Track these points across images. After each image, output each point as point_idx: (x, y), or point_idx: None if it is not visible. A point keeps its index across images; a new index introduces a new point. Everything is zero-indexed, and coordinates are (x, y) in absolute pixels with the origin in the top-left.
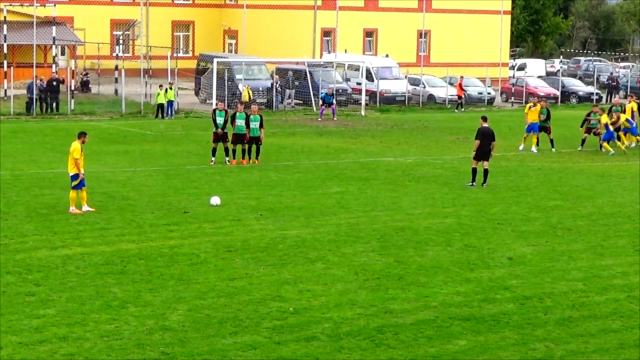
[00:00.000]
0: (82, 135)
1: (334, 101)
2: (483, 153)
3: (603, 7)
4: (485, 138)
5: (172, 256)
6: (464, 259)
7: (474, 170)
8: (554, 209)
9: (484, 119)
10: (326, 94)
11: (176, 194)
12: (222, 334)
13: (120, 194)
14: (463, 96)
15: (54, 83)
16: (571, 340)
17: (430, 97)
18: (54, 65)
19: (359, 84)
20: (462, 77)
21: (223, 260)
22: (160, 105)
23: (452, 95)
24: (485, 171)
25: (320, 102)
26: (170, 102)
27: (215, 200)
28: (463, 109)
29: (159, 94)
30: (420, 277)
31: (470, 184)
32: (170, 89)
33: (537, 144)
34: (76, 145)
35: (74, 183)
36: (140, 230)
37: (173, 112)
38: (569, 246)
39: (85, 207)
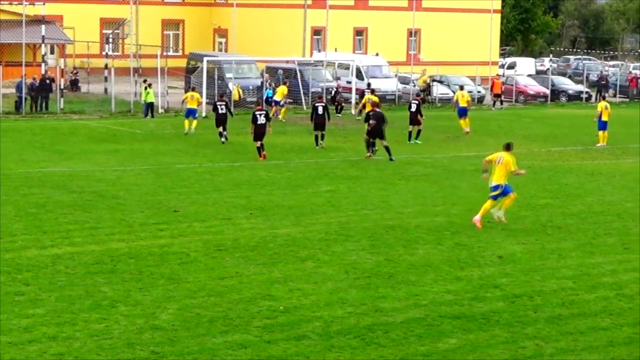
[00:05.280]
0: (510, 146)
1: None
2: (378, 132)
3: (592, 6)
4: (379, 120)
5: (162, 255)
6: (454, 258)
7: (369, 142)
8: (544, 207)
9: (376, 104)
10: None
11: (166, 193)
12: (212, 333)
13: (110, 193)
14: (501, 94)
15: (47, 81)
16: (561, 338)
17: None
18: (43, 64)
19: (349, 82)
20: (498, 74)
21: (213, 259)
22: (150, 104)
23: (442, 94)
24: (387, 148)
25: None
26: (148, 104)
27: None
28: (502, 106)
29: (148, 93)
30: (410, 275)
31: (370, 155)
32: (145, 88)
33: None
34: (510, 157)
35: (495, 193)
36: (130, 230)
37: (148, 113)
38: (559, 244)
39: (498, 213)
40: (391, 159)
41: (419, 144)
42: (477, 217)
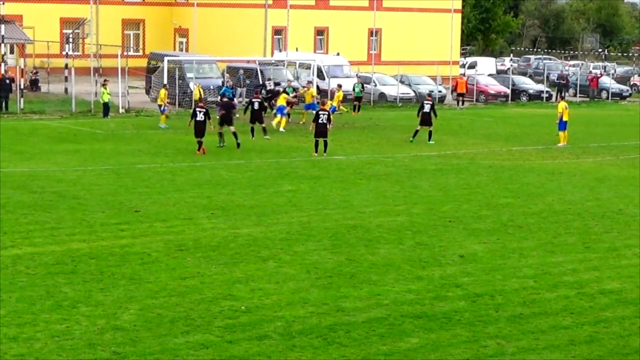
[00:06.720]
0: None
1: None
2: (226, 120)
3: (553, 6)
4: (227, 109)
5: (123, 255)
6: (416, 257)
7: (221, 134)
8: (505, 206)
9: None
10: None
11: (127, 193)
12: (173, 333)
13: (70, 193)
14: (464, 93)
15: (7, 81)
16: (522, 337)
17: (382, 96)
18: (2, 64)
19: (310, 82)
20: (462, 75)
21: (174, 260)
22: (104, 104)
23: (403, 93)
24: (235, 134)
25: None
26: (104, 103)
27: None
28: (463, 106)
29: (104, 93)
30: (372, 275)
31: (220, 145)
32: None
33: None
34: None
35: None
36: (91, 230)
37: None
38: (520, 243)
39: None
40: (238, 145)
41: (432, 144)
42: None
